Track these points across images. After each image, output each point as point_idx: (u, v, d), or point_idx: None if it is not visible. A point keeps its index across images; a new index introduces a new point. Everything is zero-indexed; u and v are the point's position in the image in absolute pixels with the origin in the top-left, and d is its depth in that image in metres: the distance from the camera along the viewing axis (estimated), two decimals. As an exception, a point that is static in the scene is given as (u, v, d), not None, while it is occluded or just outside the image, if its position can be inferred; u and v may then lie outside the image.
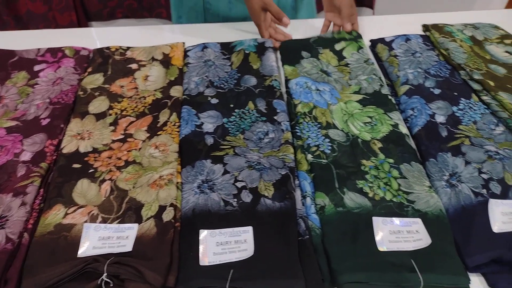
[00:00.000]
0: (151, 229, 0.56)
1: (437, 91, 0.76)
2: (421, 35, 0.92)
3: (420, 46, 0.88)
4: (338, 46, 0.88)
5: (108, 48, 0.87)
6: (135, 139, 0.68)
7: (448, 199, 0.59)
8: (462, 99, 0.75)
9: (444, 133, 0.68)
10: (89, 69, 0.82)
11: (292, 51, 0.86)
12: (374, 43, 0.91)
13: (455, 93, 0.76)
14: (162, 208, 0.57)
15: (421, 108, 0.72)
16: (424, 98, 0.74)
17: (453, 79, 0.80)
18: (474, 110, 0.73)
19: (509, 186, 0.60)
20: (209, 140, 0.68)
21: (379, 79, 0.80)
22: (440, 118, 0.71)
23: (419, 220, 0.57)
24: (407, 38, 0.90)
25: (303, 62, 0.83)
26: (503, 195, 0.59)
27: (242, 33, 0.98)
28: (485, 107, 0.74)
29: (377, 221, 0.57)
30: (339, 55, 0.86)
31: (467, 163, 0.63)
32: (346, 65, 0.84)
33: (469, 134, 0.68)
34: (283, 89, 0.80)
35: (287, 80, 0.79)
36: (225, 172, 0.63)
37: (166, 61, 0.84)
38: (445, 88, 0.77)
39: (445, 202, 0.59)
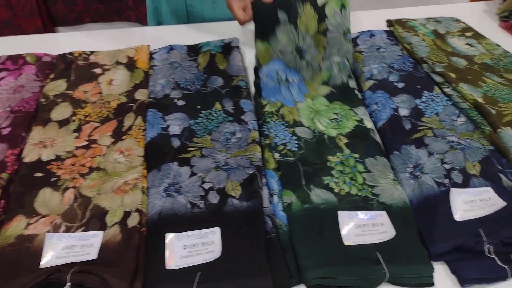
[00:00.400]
0: (116, 236, 0.55)
1: (400, 85, 0.78)
2: (385, 31, 0.93)
3: (384, 41, 0.89)
4: (320, 1, 0.79)
5: (71, 53, 0.86)
6: (99, 144, 0.67)
7: (412, 191, 0.61)
8: (425, 91, 0.77)
9: (408, 126, 0.70)
10: (51, 76, 0.80)
11: (267, 11, 0.77)
12: None
13: (418, 86, 0.78)
14: (127, 214, 0.57)
15: (385, 102, 0.74)
16: (388, 93, 0.76)
17: (416, 73, 0.82)
18: (437, 102, 0.75)
19: (470, 175, 0.62)
20: (176, 143, 0.67)
21: (349, 66, 0.80)
22: (403, 111, 0.72)
23: (384, 212, 0.58)
24: (371, 34, 0.91)
25: (278, 33, 0.77)
26: (465, 184, 0.61)
27: (209, 34, 0.97)
28: (447, 98, 0.76)
29: (342, 215, 0.57)
30: (321, 13, 0.78)
31: (430, 154, 0.65)
32: (325, 32, 0.78)
33: (432, 126, 0.70)
34: (252, 88, 0.80)
35: (258, 66, 0.78)
36: (192, 174, 0.62)
37: (131, 65, 0.83)
38: (408, 81, 0.79)
39: (409, 194, 0.61)
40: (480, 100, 0.75)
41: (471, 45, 0.93)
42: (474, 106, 0.74)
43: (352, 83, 0.78)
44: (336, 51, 0.79)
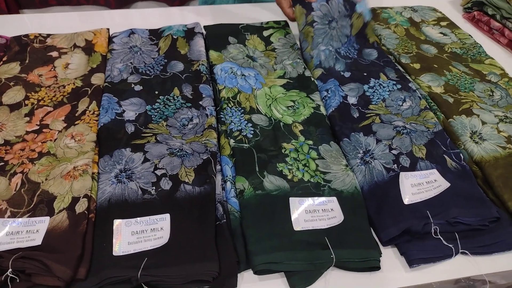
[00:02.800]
0: (63, 222, 0.54)
1: (347, 74, 0.79)
2: None
3: (340, 9, 0.83)
4: (266, 33, 0.88)
5: (26, 35, 0.83)
6: (51, 129, 0.66)
7: (363, 177, 0.62)
8: (371, 79, 0.78)
9: (356, 114, 0.71)
10: (4, 58, 0.77)
11: (219, 36, 0.85)
12: (294, 2, 0.85)
13: (364, 74, 0.79)
14: (75, 200, 0.56)
15: (335, 89, 0.74)
16: (337, 80, 0.76)
17: (361, 60, 0.83)
18: (383, 87, 0.76)
19: (417, 158, 0.64)
20: (130, 128, 0.66)
21: (303, 62, 0.81)
22: (352, 100, 0.73)
23: (334, 198, 0.59)
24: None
25: (229, 48, 0.82)
26: (412, 167, 0.62)
27: (170, 17, 0.96)
28: (394, 83, 0.77)
29: (293, 201, 0.58)
30: (267, 40, 0.86)
31: (378, 141, 0.66)
32: (273, 50, 0.84)
33: (379, 112, 0.71)
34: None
35: (212, 66, 0.78)
36: (145, 160, 0.62)
37: (88, 48, 0.81)
38: (354, 69, 0.80)
39: (360, 180, 0.61)
40: (440, 89, 0.77)
41: (444, 34, 0.94)
42: (430, 97, 0.75)
43: (308, 73, 0.79)
44: (286, 58, 0.83)
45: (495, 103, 0.75)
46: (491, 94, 0.77)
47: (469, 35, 0.94)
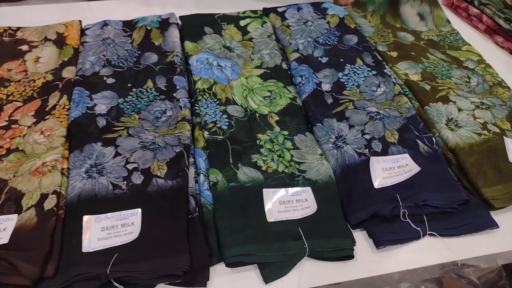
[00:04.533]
0: (31, 219, 0.52)
1: (324, 60, 0.79)
2: (311, 4, 0.93)
3: (311, 15, 0.89)
4: (242, 22, 0.87)
5: (-5, 29, 0.80)
6: (20, 125, 0.64)
7: (335, 161, 0.61)
8: (347, 65, 0.78)
9: (330, 100, 0.70)
10: (-28, 52, 0.75)
11: (194, 27, 0.83)
12: (267, 11, 0.91)
13: (341, 60, 0.79)
14: (44, 197, 0.54)
15: (309, 76, 0.74)
16: (312, 68, 0.76)
17: (341, 45, 0.83)
18: (358, 74, 0.76)
19: (389, 143, 0.64)
20: (101, 122, 0.65)
21: (280, 53, 0.80)
22: (325, 87, 0.73)
23: (308, 188, 0.58)
24: (298, 8, 0.90)
25: (205, 38, 0.81)
26: (384, 152, 0.62)
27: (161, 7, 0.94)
28: (369, 69, 0.77)
29: (267, 192, 0.57)
30: (244, 30, 0.85)
31: (350, 126, 0.66)
32: (250, 39, 0.83)
33: (353, 98, 0.71)
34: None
35: (187, 57, 0.77)
36: (116, 154, 0.60)
37: (60, 41, 0.79)
38: (332, 55, 0.80)
39: (333, 164, 0.61)
40: (418, 76, 0.77)
41: (422, 17, 0.93)
42: (406, 85, 0.75)
43: (285, 65, 0.78)
44: (264, 47, 0.82)
45: (472, 89, 0.75)
46: (467, 80, 0.77)
47: (447, 19, 0.93)
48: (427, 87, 0.74)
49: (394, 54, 0.82)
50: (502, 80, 0.78)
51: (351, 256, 0.53)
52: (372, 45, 0.84)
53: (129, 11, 0.91)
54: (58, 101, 0.67)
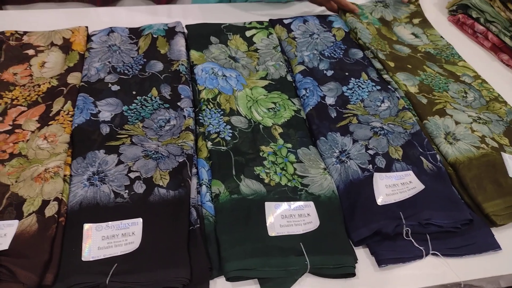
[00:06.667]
0: (32, 226, 0.52)
1: (329, 73, 0.79)
2: (317, 16, 0.93)
3: (317, 28, 0.89)
4: (248, 33, 0.87)
5: (2, 32, 0.80)
6: (24, 130, 0.64)
7: (339, 175, 0.61)
8: (352, 78, 0.78)
9: (334, 114, 0.70)
10: (-22, 55, 0.76)
11: (200, 36, 0.83)
12: (273, 23, 0.91)
13: (346, 73, 0.79)
14: (45, 203, 0.54)
15: (313, 89, 0.74)
16: (316, 81, 0.76)
17: (346, 59, 0.83)
18: (362, 88, 0.76)
19: (392, 159, 0.63)
20: (105, 130, 0.65)
21: (285, 65, 0.80)
22: (330, 100, 0.73)
23: (311, 203, 0.58)
24: (304, 20, 0.91)
25: (211, 48, 0.81)
26: (387, 169, 0.62)
27: (151, 16, 0.94)
28: (373, 84, 0.77)
29: (269, 206, 0.57)
30: (249, 41, 0.85)
31: (354, 141, 0.66)
32: (256, 50, 0.83)
33: (357, 113, 0.71)
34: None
35: (193, 66, 0.77)
36: (119, 162, 0.60)
37: (66, 46, 0.79)
38: (337, 68, 0.80)
39: (336, 179, 0.61)
40: (415, 88, 0.76)
41: (416, 36, 0.93)
42: (406, 97, 0.75)
43: (290, 77, 0.78)
44: (269, 59, 0.82)
45: (469, 104, 0.75)
46: (464, 95, 0.77)
47: (441, 36, 0.93)
48: (424, 100, 0.74)
49: (391, 64, 0.82)
50: (499, 95, 0.78)
51: (352, 274, 0.53)
52: (374, 52, 0.84)
53: (135, 19, 0.91)
54: (62, 107, 0.67)
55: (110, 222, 0.53)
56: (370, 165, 0.62)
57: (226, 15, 0.95)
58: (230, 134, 0.65)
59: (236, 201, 0.57)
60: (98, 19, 0.95)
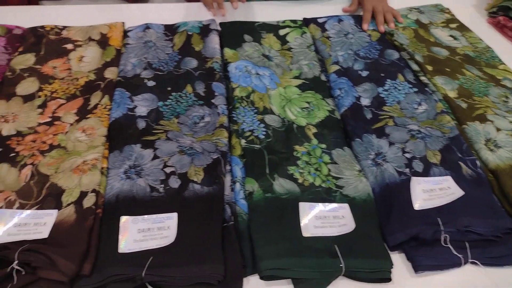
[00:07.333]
0: (70, 216, 0.53)
1: (365, 73, 0.77)
2: (352, 16, 0.92)
3: (352, 28, 0.88)
4: (282, 32, 0.87)
5: (42, 27, 0.83)
6: (63, 122, 0.65)
7: (374, 178, 0.60)
8: (388, 80, 0.76)
9: (369, 116, 0.69)
10: (20, 49, 0.78)
11: (234, 34, 0.84)
12: (307, 22, 0.90)
13: (382, 74, 0.77)
14: (83, 194, 0.55)
15: (348, 90, 0.73)
16: (351, 81, 0.75)
17: (382, 60, 0.81)
18: (399, 90, 0.74)
19: (430, 164, 0.62)
20: (141, 124, 0.65)
21: (319, 65, 0.79)
22: (365, 101, 0.72)
23: (346, 205, 0.57)
24: (339, 19, 0.90)
25: (244, 46, 0.81)
26: (425, 173, 0.60)
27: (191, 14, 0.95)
28: (410, 86, 0.75)
29: (303, 206, 0.56)
30: (283, 40, 0.85)
31: (391, 144, 0.64)
32: (289, 49, 0.83)
33: (393, 115, 0.69)
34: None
35: (226, 63, 0.77)
36: (155, 157, 0.61)
37: (103, 42, 0.80)
38: (372, 69, 0.78)
39: (372, 181, 0.60)
40: (454, 93, 0.74)
41: (454, 37, 0.91)
42: (445, 100, 0.73)
43: (324, 77, 0.77)
44: (303, 58, 0.81)
45: (510, 109, 0.73)
46: (506, 100, 0.74)
47: (480, 39, 0.91)
48: (464, 105, 0.72)
49: (429, 67, 0.80)
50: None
51: (388, 279, 0.52)
52: (411, 54, 0.82)
53: (167, 15, 0.92)
54: (99, 101, 0.69)
55: (146, 216, 0.54)
56: (407, 169, 0.60)
57: (260, 13, 0.95)
58: (264, 133, 0.65)
59: (270, 200, 0.57)
60: (130, 15, 0.96)
